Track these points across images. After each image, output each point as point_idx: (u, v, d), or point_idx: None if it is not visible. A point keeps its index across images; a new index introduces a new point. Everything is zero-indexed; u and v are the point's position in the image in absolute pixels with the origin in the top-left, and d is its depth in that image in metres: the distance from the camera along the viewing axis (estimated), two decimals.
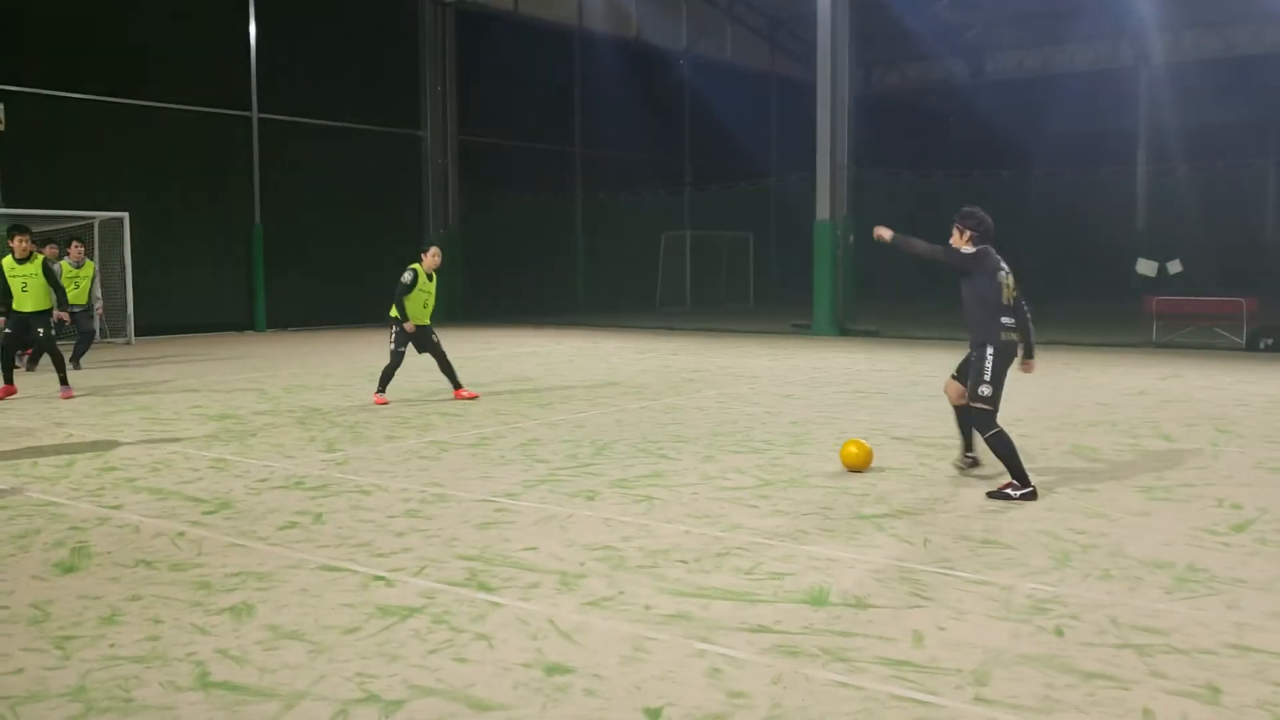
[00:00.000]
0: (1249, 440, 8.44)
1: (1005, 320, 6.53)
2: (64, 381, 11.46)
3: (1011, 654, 3.89)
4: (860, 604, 4.46)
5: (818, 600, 4.50)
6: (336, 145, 23.78)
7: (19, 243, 11.38)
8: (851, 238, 20.46)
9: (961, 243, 6.70)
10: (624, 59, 29.92)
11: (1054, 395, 11.23)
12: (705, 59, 32.93)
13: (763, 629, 4.16)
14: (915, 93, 37.09)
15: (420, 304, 10.93)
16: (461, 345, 18.20)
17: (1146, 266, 20.74)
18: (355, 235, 23.59)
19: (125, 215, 19.22)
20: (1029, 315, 6.72)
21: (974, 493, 6.58)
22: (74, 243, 14.54)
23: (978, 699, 3.51)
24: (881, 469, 7.34)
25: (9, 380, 11.49)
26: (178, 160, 21.23)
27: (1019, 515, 5.98)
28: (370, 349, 16.89)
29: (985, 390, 6.45)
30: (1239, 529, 5.67)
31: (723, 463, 7.62)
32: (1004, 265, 6.68)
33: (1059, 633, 4.11)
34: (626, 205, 29.43)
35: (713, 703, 3.47)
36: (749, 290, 33.16)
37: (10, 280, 11.33)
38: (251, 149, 22.51)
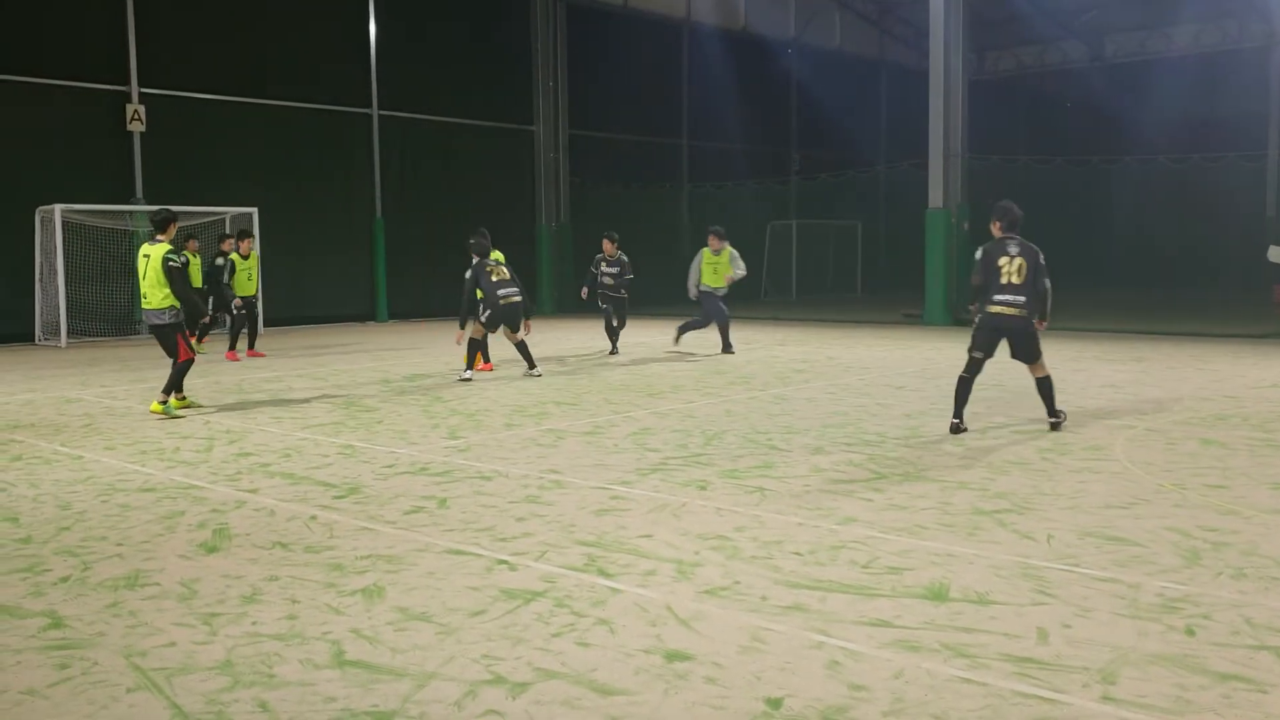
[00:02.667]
0: None
1: (997, 297, 8.26)
2: (234, 346, 15.12)
3: (1140, 653, 3.81)
4: (982, 600, 4.41)
5: (938, 595, 4.47)
6: (452, 141, 24.35)
7: (247, 244, 14.99)
8: (965, 225, 20.04)
9: (996, 231, 8.45)
10: (731, 50, 29.82)
11: (1180, 388, 10.84)
12: (813, 47, 32.57)
13: (882, 623, 4.16)
14: (1031, 77, 36.00)
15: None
16: (573, 336, 18.45)
17: (1278, 254, 19.81)
18: (470, 228, 24.09)
19: (255, 210, 20.01)
20: (1047, 289, 8.34)
21: (1100, 489, 6.42)
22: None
23: (1106, 698, 3.45)
24: (1001, 464, 7.21)
25: (233, 347, 15.15)
26: (304, 157, 21.99)
27: (1146, 512, 5.82)
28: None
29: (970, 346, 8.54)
30: None
31: (834, 455, 7.59)
32: (1010, 251, 8.25)
33: (1190, 632, 4.01)
34: (732, 195, 29.34)
35: (833, 695, 3.49)
36: (857, 280, 32.73)
37: (240, 272, 14.85)
38: (372, 145, 23.18)
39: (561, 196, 26.51)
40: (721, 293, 14.97)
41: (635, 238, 27.70)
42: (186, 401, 10.23)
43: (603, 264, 15.17)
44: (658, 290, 27.61)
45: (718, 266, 14.94)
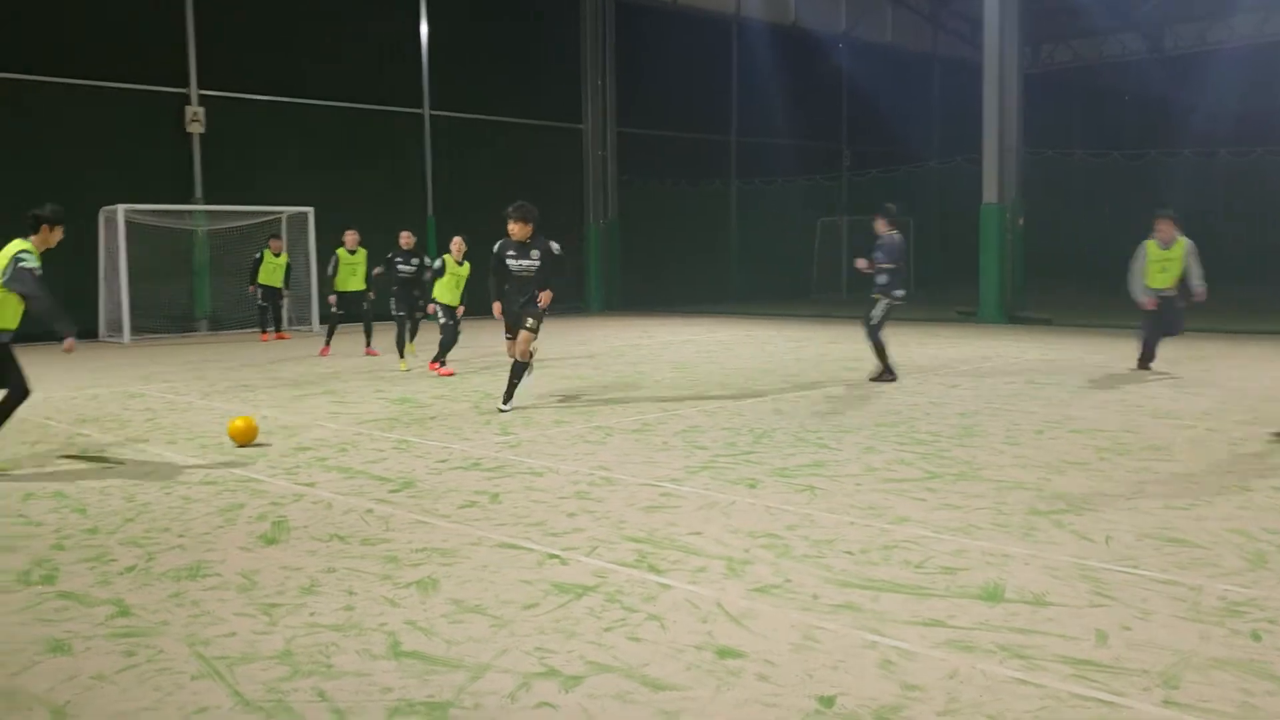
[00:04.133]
0: None
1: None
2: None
3: (1203, 657, 3.75)
4: (1038, 601, 4.36)
5: (993, 596, 4.43)
6: (501, 140, 24.51)
7: (351, 236, 15.07)
8: (1020, 221, 19.78)
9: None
10: (781, 45, 29.68)
11: (1245, 387, 10.61)
12: (864, 42, 32.31)
13: (935, 623, 4.13)
14: (1087, 70, 35.39)
15: (453, 286, 12.57)
16: (620, 333, 18.49)
17: None
18: None
19: (310, 210, 20.32)
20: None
21: (1159, 488, 6.31)
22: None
23: (1167, 702, 3.39)
24: (1058, 464, 7.11)
25: (328, 343, 15.53)
26: (357, 156, 22.28)
27: (1209, 514, 5.71)
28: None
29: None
30: None
31: (886, 454, 7.54)
32: None
33: (1256, 637, 3.93)
34: (781, 192, 29.21)
35: (887, 694, 3.47)
36: (909, 277, 32.42)
37: (344, 267, 14.91)
38: (424, 144, 23.41)
39: (610, 194, 26.58)
40: (1169, 294, 11.49)
41: (682, 236, 27.77)
42: None
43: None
44: (702, 289, 27.63)
45: (1167, 264, 11.37)
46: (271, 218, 20.31)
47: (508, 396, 9.74)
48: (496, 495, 6.38)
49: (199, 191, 20.18)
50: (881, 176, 29.91)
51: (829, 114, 32.02)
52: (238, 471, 7.19)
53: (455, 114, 23.82)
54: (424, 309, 13.65)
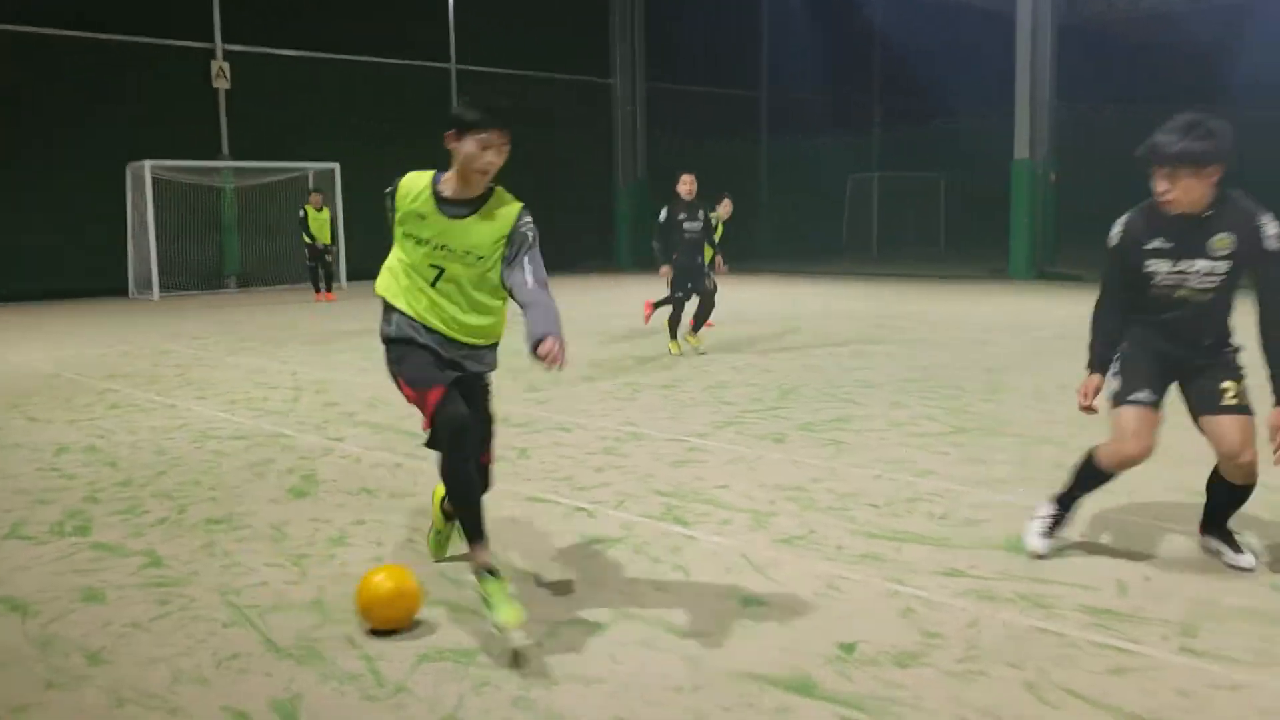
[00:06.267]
0: None
1: None
2: None
3: (1223, 606, 3.75)
4: (1060, 553, 4.37)
5: (1015, 547, 4.44)
6: (529, 94, 24.39)
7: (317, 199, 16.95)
8: (1053, 177, 19.52)
9: None
10: None
11: None
12: None
13: (957, 573, 4.15)
14: (1125, 22, 34.63)
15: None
16: (649, 291, 18.49)
17: None
18: (547, 184, 24.25)
19: (336, 166, 20.37)
20: None
21: (1186, 445, 6.27)
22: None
23: (1184, 649, 3.41)
24: (1083, 419, 7.07)
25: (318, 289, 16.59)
26: (384, 112, 22.28)
27: None
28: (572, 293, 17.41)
29: None
30: None
31: (912, 409, 7.53)
32: None
33: (1277, 588, 3.93)
34: (811, 148, 28.95)
35: (907, 641, 3.51)
36: (939, 234, 32.12)
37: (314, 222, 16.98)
38: (450, 100, 23.35)
39: (639, 150, 26.44)
40: None
41: (710, 191, 27.61)
42: None
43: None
44: (730, 246, 27.49)
45: None
46: (298, 174, 20.38)
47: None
48: (525, 450, 6.44)
49: (225, 148, 20.27)
50: (913, 132, 29.58)
51: (861, 69, 31.64)
52: (266, 426, 7.29)
53: (482, 68, 23.72)
54: (711, 279, 10.75)
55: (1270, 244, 3.82)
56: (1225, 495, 4.17)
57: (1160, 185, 3.85)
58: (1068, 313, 13.75)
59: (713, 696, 3.17)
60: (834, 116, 29.97)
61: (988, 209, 27.11)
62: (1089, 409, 4.21)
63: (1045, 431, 6.71)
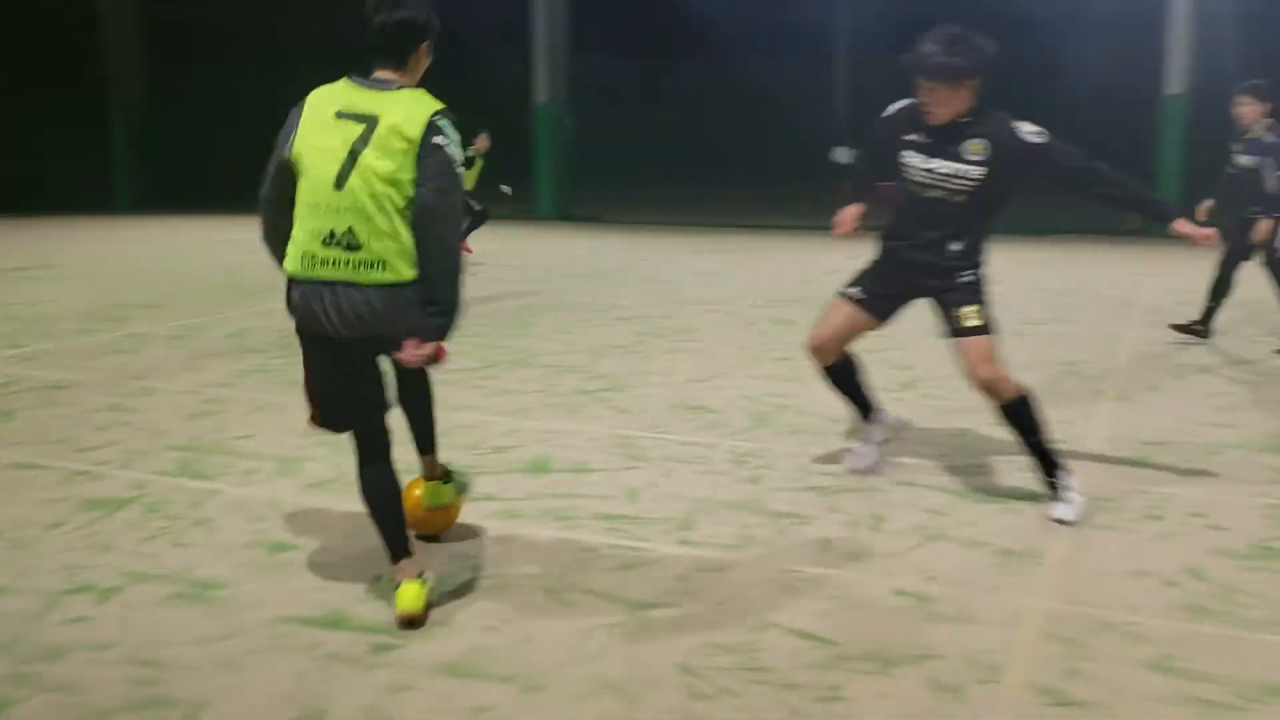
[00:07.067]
0: None
1: None
2: None
3: (714, 501, 4.30)
4: (580, 469, 4.73)
5: (540, 469, 4.73)
6: None
7: None
8: (568, 121, 20.43)
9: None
10: None
11: (760, 276, 11.95)
12: None
13: (488, 497, 4.34)
14: None
15: None
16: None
17: (843, 155, 22.14)
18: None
19: None
20: None
21: (689, 366, 7.02)
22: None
23: (683, 541, 3.88)
24: (603, 348, 7.65)
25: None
26: None
27: (725, 385, 6.46)
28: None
29: None
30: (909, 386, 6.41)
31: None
32: None
33: (754, 481, 4.57)
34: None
35: (439, 567, 3.62)
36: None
37: None
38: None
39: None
40: None
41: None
42: None
43: None
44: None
45: None
46: None
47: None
48: (11, 414, 5.69)
49: None
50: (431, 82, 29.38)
51: None
52: None
53: None
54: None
55: (1030, 138, 4.01)
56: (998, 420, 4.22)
57: (921, 95, 4.02)
58: (588, 250, 14.68)
59: (244, 643, 3.08)
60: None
61: (507, 153, 27.73)
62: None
63: (569, 360, 7.15)
